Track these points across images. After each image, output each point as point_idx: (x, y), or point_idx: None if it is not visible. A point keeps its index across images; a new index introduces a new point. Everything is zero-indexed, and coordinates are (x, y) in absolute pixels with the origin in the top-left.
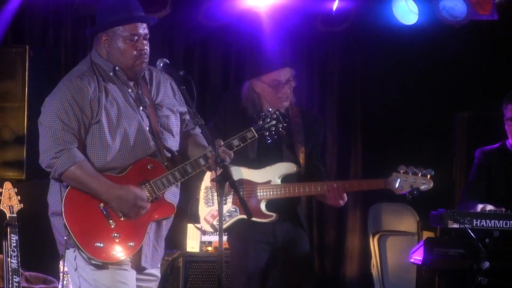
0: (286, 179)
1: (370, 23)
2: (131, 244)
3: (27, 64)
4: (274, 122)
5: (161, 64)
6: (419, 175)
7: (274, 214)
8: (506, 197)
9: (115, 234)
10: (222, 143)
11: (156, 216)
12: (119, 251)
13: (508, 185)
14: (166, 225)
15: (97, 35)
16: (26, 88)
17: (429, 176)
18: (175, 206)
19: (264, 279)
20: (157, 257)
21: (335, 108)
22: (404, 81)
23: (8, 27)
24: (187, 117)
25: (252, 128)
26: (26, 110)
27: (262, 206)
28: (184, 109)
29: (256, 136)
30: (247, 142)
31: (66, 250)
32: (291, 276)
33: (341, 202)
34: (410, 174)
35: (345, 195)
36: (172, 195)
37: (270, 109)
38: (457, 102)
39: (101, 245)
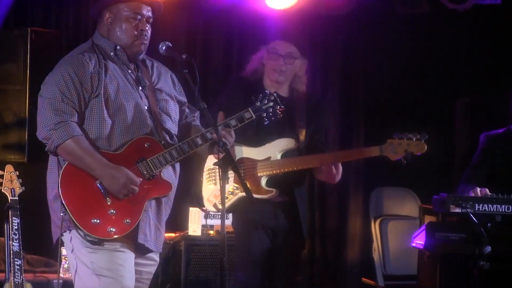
0: (286, 155)
1: (373, 7)
2: (128, 221)
3: (28, 47)
4: (271, 103)
5: (164, 47)
6: (413, 139)
7: (274, 190)
8: (509, 181)
9: (112, 211)
10: (221, 118)
11: (153, 194)
12: (115, 228)
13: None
14: (166, 205)
15: (101, 14)
16: (28, 71)
17: (423, 140)
18: (173, 185)
19: (265, 261)
20: (160, 238)
21: (337, 92)
22: (406, 66)
23: (10, 10)
24: (187, 109)
25: (249, 109)
26: (28, 93)
27: (263, 182)
28: (183, 99)
29: (254, 116)
30: (244, 123)
31: (63, 233)
32: (277, 260)
33: (336, 175)
34: (405, 139)
35: (340, 168)
36: (171, 174)
37: (268, 91)
38: (459, 87)
39: (98, 221)
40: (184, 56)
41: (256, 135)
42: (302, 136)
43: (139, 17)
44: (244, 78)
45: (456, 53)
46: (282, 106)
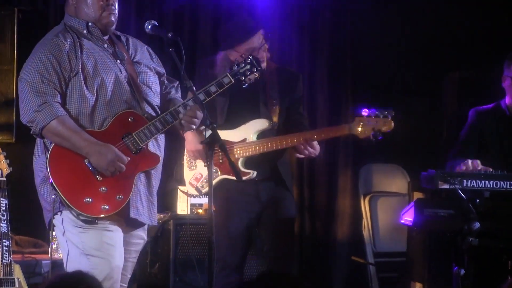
0: (262, 135)
1: None
2: (120, 196)
3: (15, 27)
4: (248, 66)
5: (149, 26)
6: (381, 117)
7: (251, 171)
8: (498, 158)
9: (103, 188)
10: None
11: (141, 168)
12: (108, 205)
13: (501, 146)
14: (155, 177)
15: None
16: (15, 51)
17: (390, 117)
18: (160, 156)
19: (247, 240)
20: (154, 211)
21: (325, 68)
22: (394, 40)
23: None
24: (166, 80)
25: (227, 74)
26: (15, 72)
27: (240, 164)
28: (162, 70)
29: (233, 81)
30: (224, 88)
31: (54, 216)
32: (271, 237)
33: (313, 153)
34: (373, 117)
35: (316, 145)
36: (156, 145)
37: (243, 55)
38: (447, 62)
39: (90, 200)
40: (170, 35)
41: (230, 118)
42: (275, 114)
43: None
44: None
45: (444, 28)
46: (260, 68)
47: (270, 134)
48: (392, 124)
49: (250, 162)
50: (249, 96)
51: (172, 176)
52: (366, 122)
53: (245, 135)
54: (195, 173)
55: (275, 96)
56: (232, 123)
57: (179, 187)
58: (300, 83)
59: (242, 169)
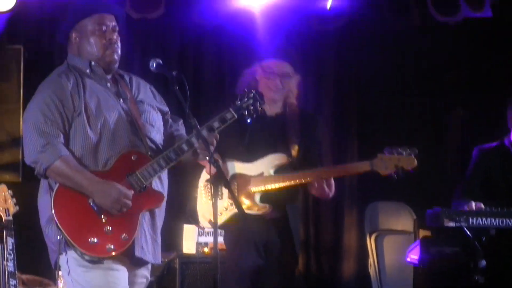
0: (279, 170)
1: (364, 22)
2: (125, 236)
3: (22, 65)
4: (251, 101)
5: (154, 64)
6: (404, 154)
7: (267, 205)
8: (504, 196)
9: (108, 228)
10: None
11: (146, 207)
12: (113, 245)
13: (507, 184)
14: (159, 215)
15: (68, 37)
16: (21, 90)
17: (413, 155)
18: (164, 194)
19: (256, 278)
20: (158, 250)
21: (330, 107)
22: (399, 79)
23: (3, 28)
24: (170, 119)
25: (230, 109)
26: (21, 111)
27: (257, 198)
28: (165, 108)
29: (235, 116)
30: (227, 123)
31: (60, 256)
32: (271, 277)
33: (329, 192)
34: (395, 154)
35: (332, 184)
36: (160, 184)
37: (246, 90)
38: (451, 100)
39: (95, 240)
40: (174, 73)
41: (249, 151)
42: (294, 152)
43: (104, 28)
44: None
45: (449, 67)
46: (263, 102)
47: (288, 170)
48: (415, 162)
49: (265, 197)
50: (269, 132)
51: (185, 209)
52: (388, 159)
53: (262, 169)
54: (209, 205)
55: (295, 134)
56: (250, 157)
57: (185, 225)
58: (320, 127)
59: (258, 203)
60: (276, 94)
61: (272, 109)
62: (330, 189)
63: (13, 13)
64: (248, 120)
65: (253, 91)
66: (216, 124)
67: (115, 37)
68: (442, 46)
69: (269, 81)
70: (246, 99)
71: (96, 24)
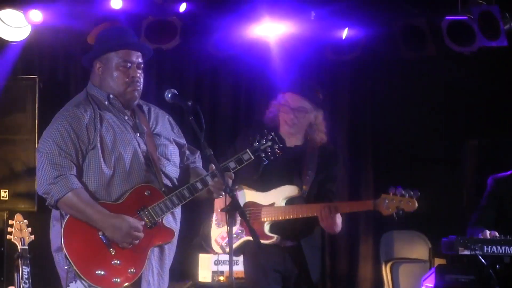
0: (291, 202)
1: (379, 52)
2: (132, 270)
3: (37, 96)
4: (269, 143)
5: (169, 95)
6: (406, 196)
7: (275, 236)
8: None
9: (116, 262)
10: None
11: (156, 242)
12: (120, 278)
13: None
14: (169, 252)
15: (92, 65)
16: (37, 120)
17: (415, 197)
18: (175, 231)
19: None
20: (163, 285)
21: (345, 137)
22: (414, 108)
23: (18, 59)
24: (187, 151)
25: (247, 150)
26: (36, 142)
27: (266, 228)
28: (182, 141)
29: (252, 157)
30: (243, 164)
31: (69, 284)
32: None
33: (335, 226)
34: (398, 195)
35: (338, 218)
36: (172, 220)
37: (266, 131)
38: (467, 129)
39: (102, 273)
40: (190, 103)
41: (263, 180)
42: (307, 185)
43: (129, 64)
44: (263, 123)
45: (464, 96)
46: (281, 145)
47: (299, 202)
48: (416, 204)
49: (276, 226)
50: (284, 163)
51: (199, 234)
52: (391, 200)
53: (274, 200)
54: (222, 231)
55: (311, 168)
56: (264, 187)
57: (201, 254)
58: (339, 163)
59: (267, 233)
60: (292, 129)
61: (291, 141)
62: (336, 224)
63: (27, 44)
64: (265, 162)
65: (272, 134)
66: (232, 165)
67: (138, 74)
68: (457, 75)
69: (284, 114)
70: (264, 141)
71: (122, 59)
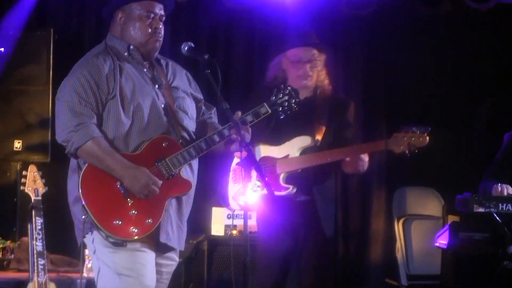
0: (304, 152)
1: (395, 7)
2: (149, 221)
3: (51, 48)
4: (286, 97)
5: (186, 48)
6: (417, 132)
7: (291, 186)
8: None
9: (133, 212)
10: (240, 115)
11: (173, 193)
12: (137, 228)
13: None
14: (187, 203)
15: (113, 15)
16: (51, 72)
17: (426, 133)
18: (192, 182)
19: (287, 260)
20: (183, 236)
21: (359, 92)
22: (428, 66)
23: (32, 11)
24: (203, 106)
25: (265, 104)
26: (51, 93)
27: (281, 179)
28: (200, 96)
29: (270, 111)
30: (260, 118)
31: (86, 235)
32: (307, 260)
33: (362, 164)
34: (409, 132)
35: (365, 158)
36: (190, 171)
37: (283, 85)
38: (482, 87)
39: (119, 222)
40: (206, 57)
41: (276, 134)
42: (320, 134)
43: (152, 15)
44: (266, 86)
45: (480, 52)
46: (298, 99)
47: (312, 152)
48: (427, 139)
49: (291, 178)
50: (296, 116)
51: (216, 192)
52: (402, 138)
53: (288, 152)
54: (239, 188)
55: (323, 117)
56: (277, 140)
57: (214, 207)
58: (350, 110)
59: (282, 184)
60: (308, 81)
61: (302, 93)
62: (364, 162)
63: None
64: (282, 116)
65: (289, 88)
66: (249, 118)
67: (160, 26)
68: (472, 32)
69: (298, 70)
70: (281, 95)
71: (145, 10)
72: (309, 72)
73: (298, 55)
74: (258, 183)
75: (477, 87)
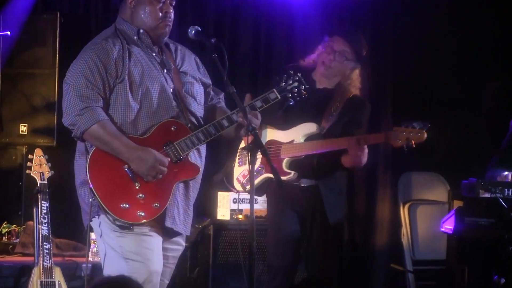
0: (310, 139)
1: None
2: (157, 205)
3: (57, 31)
4: (296, 84)
5: (193, 32)
6: (416, 128)
7: (292, 172)
8: None
9: (140, 195)
10: (249, 100)
11: (180, 177)
12: (144, 212)
13: None
14: (194, 188)
15: None
16: (57, 55)
17: (424, 129)
18: (200, 167)
19: (297, 243)
20: (189, 221)
21: (365, 77)
22: (434, 50)
23: None
24: (212, 91)
25: (274, 90)
26: (57, 76)
27: (284, 164)
28: (208, 81)
29: (279, 97)
30: (269, 103)
31: (92, 219)
32: (314, 244)
33: (362, 156)
34: (409, 127)
35: (363, 149)
36: (198, 156)
37: (292, 71)
38: (488, 71)
39: (127, 206)
40: (213, 40)
41: (286, 119)
42: (326, 123)
43: None
44: (298, 66)
45: (485, 37)
46: (307, 86)
47: (317, 139)
48: (425, 136)
49: (295, 164)
50: (310, 103)
51: (221, 172)
52: (401, 132)
53: (293, 137)
54: (243, 169)
55: (335, 109)
56: (285, 125)
57: (220, 192)
58: (365, 111)
59: (285, 169)
60: (327, 71)
61: (322, 83)
62: (364, 156)
63: None
64: (291, 103)
65: (299, 74)
66: (258, 104)
67: (171, 10)
68: (479, 16)
69: (324, 55)
70: (291, 81)
71: None
72: (332, 63)
73: (332, 43)
74: (262, 166)
75: (484, 70)
